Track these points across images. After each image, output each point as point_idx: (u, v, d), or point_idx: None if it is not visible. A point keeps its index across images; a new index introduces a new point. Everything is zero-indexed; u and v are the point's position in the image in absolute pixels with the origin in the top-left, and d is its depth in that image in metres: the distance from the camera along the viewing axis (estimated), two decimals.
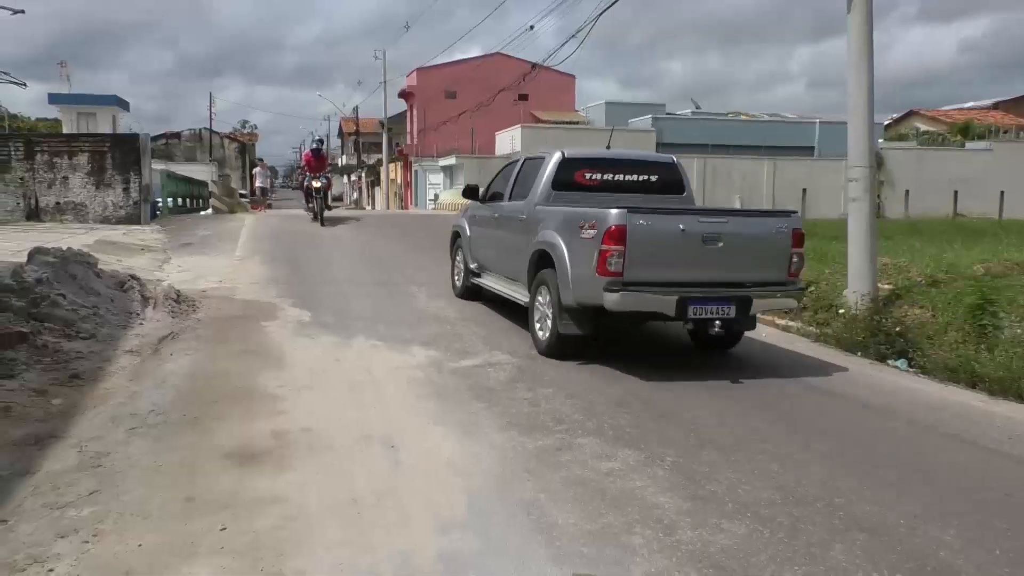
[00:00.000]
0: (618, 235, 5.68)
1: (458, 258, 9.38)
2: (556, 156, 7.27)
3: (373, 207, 51.52)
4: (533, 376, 6.04)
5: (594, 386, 5.82)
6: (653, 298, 5.73)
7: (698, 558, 3.20)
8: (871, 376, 6.59)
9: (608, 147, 8.22)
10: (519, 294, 7.32)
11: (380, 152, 49.34)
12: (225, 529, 3.34)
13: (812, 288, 9.41)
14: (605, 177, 7.21)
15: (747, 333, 7.34)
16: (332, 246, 14.22)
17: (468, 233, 9.10)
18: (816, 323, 8.34)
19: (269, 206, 29.44)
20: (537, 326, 6.75)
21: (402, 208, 44.32)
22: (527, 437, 4.62)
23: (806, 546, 3.34)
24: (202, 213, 24.21)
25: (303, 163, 19.37)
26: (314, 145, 19.11)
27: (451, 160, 35.57)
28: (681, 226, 5.84)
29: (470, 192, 8.95)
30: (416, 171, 43.48)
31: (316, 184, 17.80)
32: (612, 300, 5.73)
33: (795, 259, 6.21)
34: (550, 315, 6.48)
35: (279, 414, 4.93)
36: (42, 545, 3.16)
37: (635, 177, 7.33)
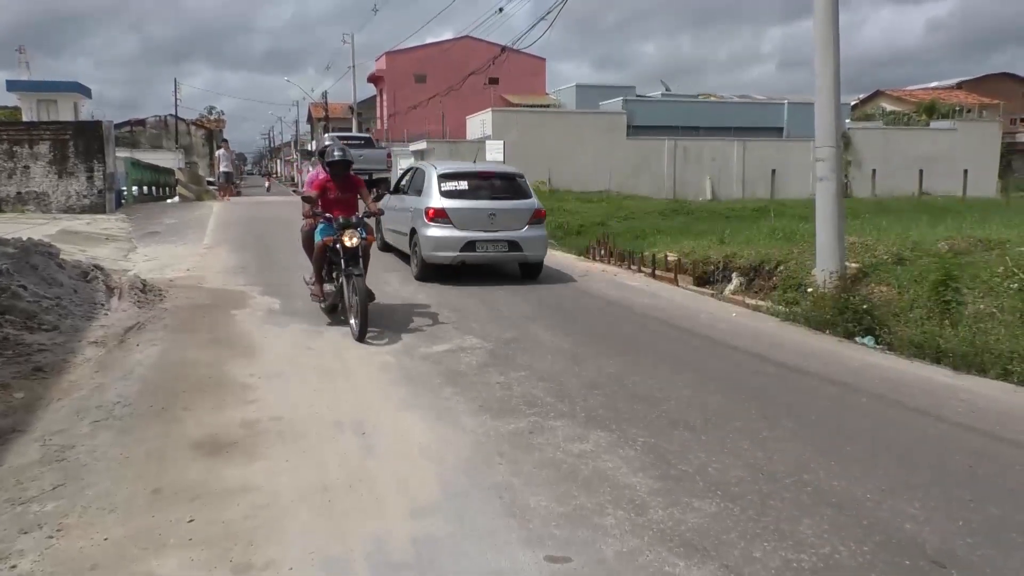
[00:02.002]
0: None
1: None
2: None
3: None
4: (505, 360, 6.04)
5: (566, 369, 5.83)
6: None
7: (669, 537, 3.23)
8: (839, 353, 6.68)
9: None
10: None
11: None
12: (194, 520, 3.30)
13: (781, 267, 9.52)
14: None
15: (718, 314, 7.94)
16: None
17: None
18: (785, 302, 8.43)
19: (238, 193, 28.81)
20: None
21: None
22: (499, 421, 4.62)
23: (775, 522, 3.38)
24: (168, 201, 23.82)
25: (309, 185, 7.71)
26: (337, 155, 7.39)
27: (422, 145, 35.22)
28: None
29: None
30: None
31: (350, 242, 6.99)
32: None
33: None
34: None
35: (249, 403, 4.87)
36: (4, 541, 3.09)
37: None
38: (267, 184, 45.64)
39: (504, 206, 10.06)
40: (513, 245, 9.94)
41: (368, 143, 26.17)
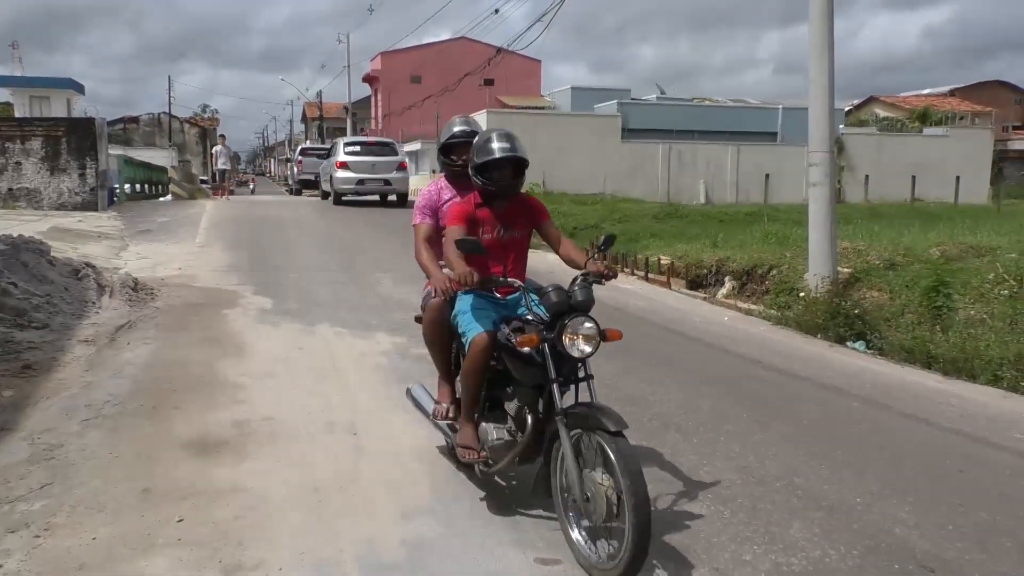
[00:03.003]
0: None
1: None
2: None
3: None
4: None
5: None
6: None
7: (659, 540, 3.23)
8: (830, 358, 6.70)
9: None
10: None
11: (345, 137, 48.71)
12: (183, 520, 3.28)
13: (773, 272, 9.54)
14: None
15: (711, 317, 8.12)
16: (296, 233, 14.04)
17: (315, 167, 22.93)
18: (777, 306, 8.45)
19: (232, 192, 28.60)
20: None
21: None
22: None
23: (765, 525, 3.39)
24: (161, 199, 23.71)
25: (429, 212, 3.93)
26: (497, 148, 3.51)
27: (416, 145, 35.28)
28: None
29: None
30: None
31: (573, 346, 3.03)
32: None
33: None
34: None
35: (240, 403, 4.86)
36: None
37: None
38: (251, 185, 45.21)
39: (381, 160, 18.77)
40: (387, 183, 18.90)
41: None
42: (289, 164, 45.43)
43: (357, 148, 19.41)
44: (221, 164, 24.12)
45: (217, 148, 24.84)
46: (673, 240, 13.60)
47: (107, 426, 4.37)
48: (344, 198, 19.30)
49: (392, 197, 20.02)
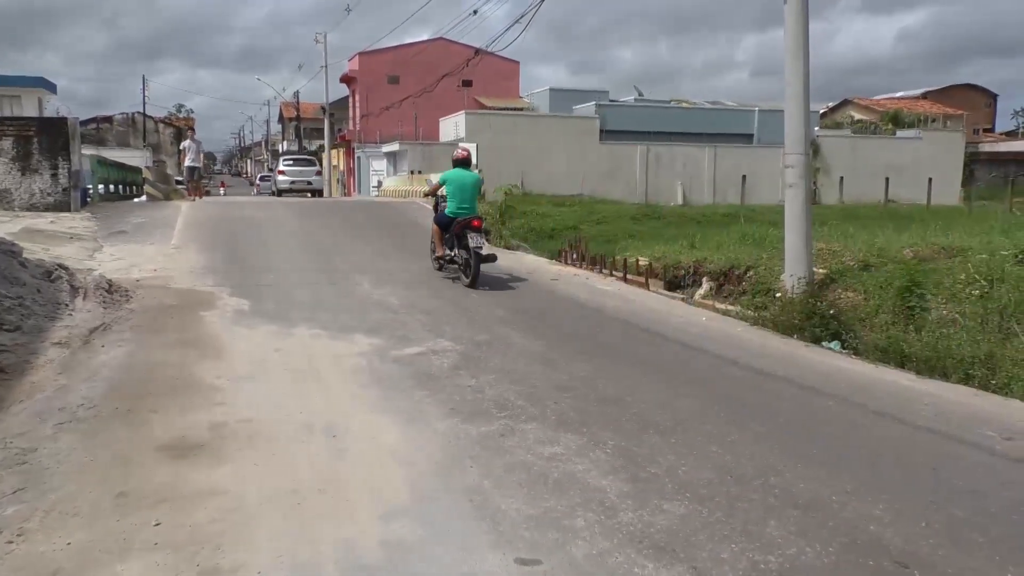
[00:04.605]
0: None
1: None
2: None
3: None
4: (477, 363, 6.04)
5: (538, 372, 5.85)
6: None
7: (639, 539, 3.25)
8: (806, 357, 6.78)
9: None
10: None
11: (322, 138, 48.53)
12: (160, 524, 3.25)
13: (750, 272, 9.63)
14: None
15: (688, 318, 8.23)
16: (274, 234, 13.94)
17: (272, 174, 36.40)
18: (754, 307, 8.54)
19: (207, 192, 28.26)
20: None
21: (345, 195, 43.70)
22: (470, 424, 4.62)
23: (743, 524, 3.43)
24: (136, 200, 23.37)
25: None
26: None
27: (395, 146, 35.15)
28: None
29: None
30: (359, 157, 42.84)
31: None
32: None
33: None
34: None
35: (217, 405, 4.82)
36: None
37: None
38: (222, 190, 45.45)
39: (306, 168, 30.68)
40: (309, 183, 29.95)
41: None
42: (264, 165, 61.46)
43: (291, 161, 32.73)
44: (190, 160, 21.46)
45: (185, 143, 22.38)
46: (651, 241, 13.70)
47: (81, 429, 4.32)
48: (283, 191, 30.11)
49: (309, 194, 30.40)
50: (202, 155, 23.29)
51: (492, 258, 9.54)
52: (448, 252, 10.06)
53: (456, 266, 9.86)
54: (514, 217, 17.86)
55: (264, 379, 5.45)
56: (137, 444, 4.14)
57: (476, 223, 9.64)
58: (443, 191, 10.28)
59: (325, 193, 48.21)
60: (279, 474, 3.82)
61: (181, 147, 23.22)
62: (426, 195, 12.33)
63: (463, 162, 10.33)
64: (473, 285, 9.29)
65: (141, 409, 4.68)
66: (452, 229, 9.81)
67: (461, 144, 14.23)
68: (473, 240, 9.41)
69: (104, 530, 3.19)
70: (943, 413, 5.20)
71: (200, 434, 4.31)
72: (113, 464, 3.87)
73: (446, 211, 10.00)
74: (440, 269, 10.24)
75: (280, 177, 30.82)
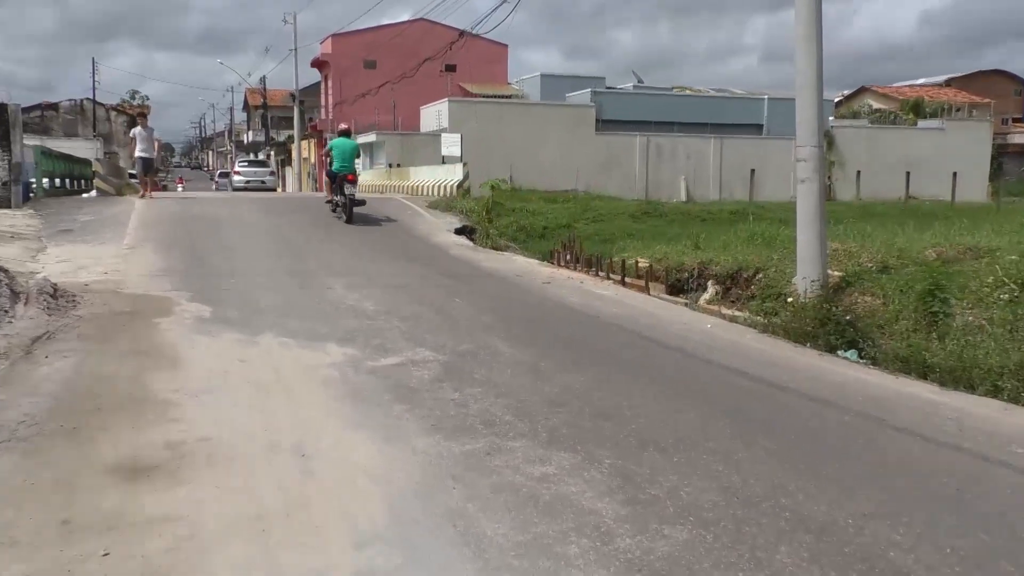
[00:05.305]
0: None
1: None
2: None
3: (284, 189, 50.58)
4: (460, 375, 6.03)
5: (527, 384, 5.85)
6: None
7: (637, 567, 3.26)
8: (820, 368, 6.81)
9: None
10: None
11: (291, 128, 48.51)
12: (108, 554, 3.23)
13: (759, 275, 9.68)
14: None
15: (692, 325, 8.28)
16: (238, 233, 13.90)
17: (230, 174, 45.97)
18: (764, 312, 8.58)
19: (164, 187, 28.07)
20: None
21: (316, 190, 43.64)
22: (453, 441, 4.61)
23: (751, 550, 3.43)
24: (85, 196, 23.23)
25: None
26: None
27: (371, 137, 35.16)
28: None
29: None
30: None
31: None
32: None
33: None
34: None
35: (173, 422, 4.79)
36: None
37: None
38: (179, 186, 46.80)
39: (259, 170, 41.44)
40: (262, 182, 39.02)
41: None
42: (228, 157, 60.97)
43: (246, 163, 43.72)
44: (141, 151, 19.46)
45: (136, 130, 20.28)
46: (651, 241, 13.75)
47: (21, 450, 4.28)
48: (238, 189, 36.96)
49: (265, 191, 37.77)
50: (156, 144, 21.64)
51: (362, 202, 16.24)
52: (335, 197, 16.10)
53: (339, 207, 15.93)
54: (502, 215, 17.89)
55: (226, 393, 5.42)
56: (84, 465, 4.11)
57: (351, 177, 15.64)
58: (331, 155, 16.26)
59: (293, 189, 52.45)
60: (242, 498, 3.80)
61: (131, 135, 21.02)
62: (321, 156, 22.50)
63: (345, 133, 16.87)
64: (350, 221, 15.33)
65: (88, 427, 4.64)
66: (337, 181, 15.85)
67: (343, 124, 19.58)
68: (348, 189, 15.48)
69: (46, 561, 3.16)
70: (969, 429, 5.23)
71: (154, 454, 4.28)
72: (56, 488, 3.84)
73: (332, 167, 16.09)
74: (333, 211, 16.27)
75: (236, 177, 40.32)
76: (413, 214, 18.06)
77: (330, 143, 16.94)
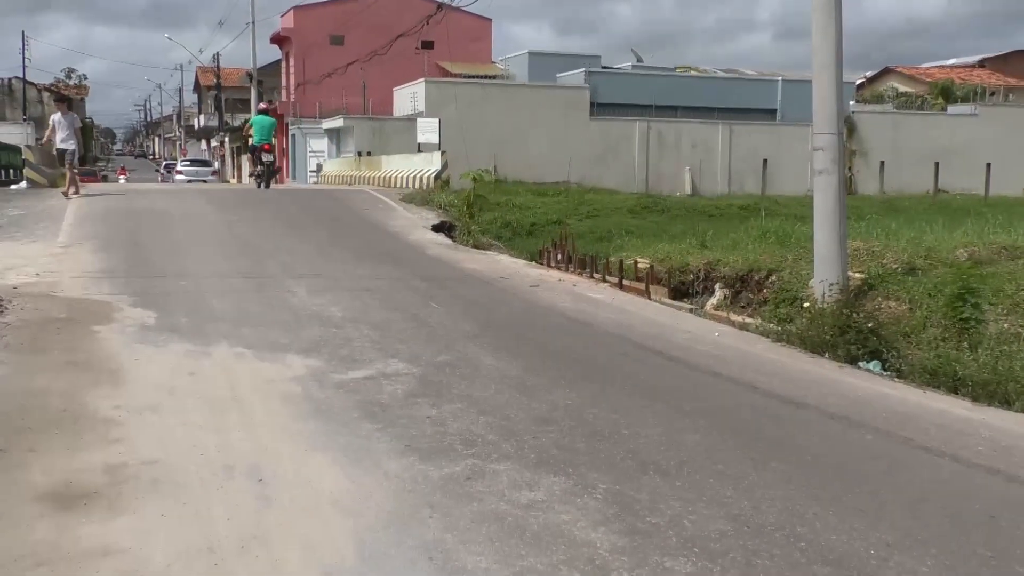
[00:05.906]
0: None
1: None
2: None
3: (239, 179, 50.45)
4: (438, 390, 6.04)
5: (513, 400, 5.86)
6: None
7: None
8: (840, 381, 6.85)
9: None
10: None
11: (248, 111, 48.33)
12: None
13: (773, 278, 9.74)
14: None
15: (697, 333, 8.33)
16: (188, 230, 13.86)
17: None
18: (777, 319, 8.63)
19: (104, 178, 27.87)
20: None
21: (277, 182, 43.57)
22: (430, 464, 4.61)
23: None
24: (13, 187, 23.13)
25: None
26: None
27: (338, 122, 35.13)
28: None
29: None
30: (294, 135, 42.77)
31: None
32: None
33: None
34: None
35: (114, 443, 4.77)
36: None
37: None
38: (121, 178, 48.68)
39: (201, 169, 48.41)
40: (204, 181, 40.01)
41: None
42: (177, 144, 65.58)
43: (188, 163, 51.08)
44: (61, 141, 18.07)
45: (55, 117, 18.63)
46: (652, 239, 13.81)
47: None
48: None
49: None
50: (77, 132, 19.31)
51: (278, 170, 23.79)
52: (255, 168, 22.39)
53: (259, 176, 22.21)
54: (485, 209, 17.91)
55: (174, 410, 5.40)
56: (11, 492, 4.08)
57: (267, 147, 21.86)
58: (252, 131, 22.89)
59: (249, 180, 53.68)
60: (192, 528, 3.78)
61: (50, 122, 19.08)
62: (242, 135, 29.47)
63: (265, 112, 23.71)
64: (267, 187, 21.85)
65: (17, 448, 4.62)
66: (256, 152, 22.08)
67: (262, 104, 26.90)
68: (265, 158, 21.93)
69: None
70: (1004, 449, 5.28)
71: (92, 479, 4.26)
72: None
73: (253, 141, 22.72)
74: (258, 185, 22.32)
75: (178, 176, 46.11)
76: (385, 208, 18.06)
77: (251, 119, 23.82)
